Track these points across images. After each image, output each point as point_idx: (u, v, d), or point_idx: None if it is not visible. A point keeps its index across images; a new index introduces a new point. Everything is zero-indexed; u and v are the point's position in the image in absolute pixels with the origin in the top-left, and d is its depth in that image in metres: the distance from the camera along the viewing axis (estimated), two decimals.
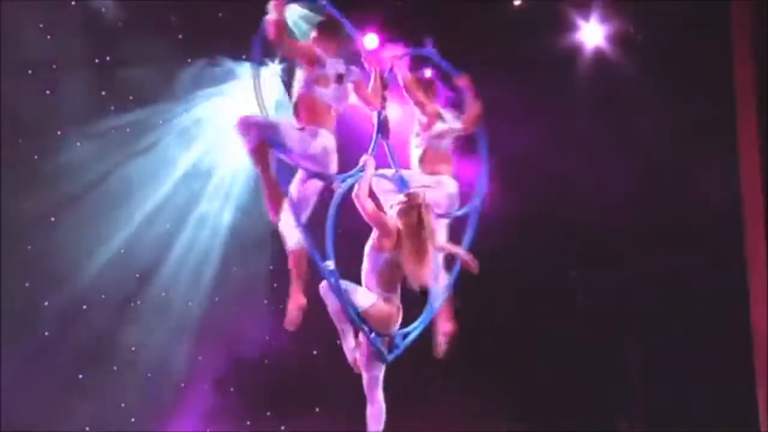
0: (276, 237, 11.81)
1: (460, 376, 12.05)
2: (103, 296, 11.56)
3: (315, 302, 11.09)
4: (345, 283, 7.78)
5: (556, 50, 12.08)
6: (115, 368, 11.57)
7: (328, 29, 8.03)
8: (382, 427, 7.86)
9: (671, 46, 11.93)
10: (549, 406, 11.87)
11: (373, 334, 7.69)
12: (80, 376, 11.40)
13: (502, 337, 12.08)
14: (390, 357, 7.77)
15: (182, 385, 11.87)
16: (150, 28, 11.68)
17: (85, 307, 11.46)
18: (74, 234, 11.44)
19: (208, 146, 12.06)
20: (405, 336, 7.98)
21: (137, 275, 11.80)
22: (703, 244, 11.62)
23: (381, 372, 7.85)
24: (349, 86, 7.89)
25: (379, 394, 7.87)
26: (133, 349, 11.68)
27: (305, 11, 11.55)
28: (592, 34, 12.34)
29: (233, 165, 12.11)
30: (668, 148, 11.90)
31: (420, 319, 8.16)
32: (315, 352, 12.11)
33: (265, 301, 12.17)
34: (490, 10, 12.17)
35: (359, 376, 11.23)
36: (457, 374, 12.02)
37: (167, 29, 11.88)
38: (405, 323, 8.04)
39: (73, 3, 11.50)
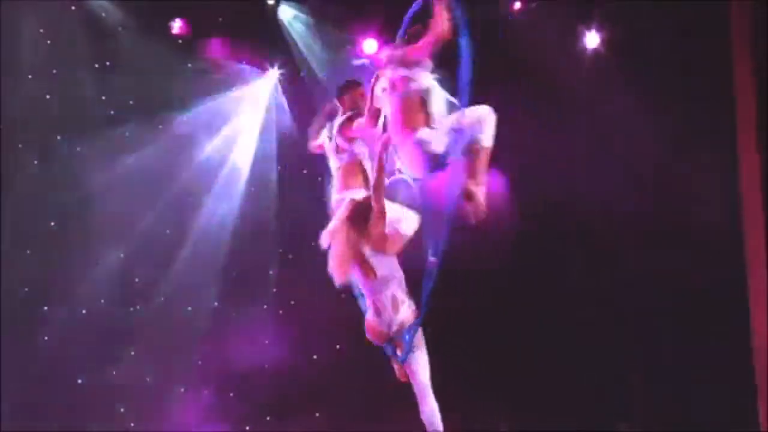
0: (276, 242, 12.04)
1: (460, 375, 12.04)
2: (102, 301, 11.58)
3: (316, 309, 11.35)
4: None
5: (556, 53, 12.07)
6: (114, 373, 11.54)
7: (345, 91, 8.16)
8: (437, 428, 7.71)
9: (670, 48, 11.91)
10: (549, 407, 11.83)
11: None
12: (79, 381, 11.41)
13: (502, 337, 12.06)
14: (403, 356, 7.62)
15: (182, 389, 11.85)
16: (150, 33, 11.74)
17: (84, 311, 11.48)
18: (74, 239, 11.48)
19: (208, 152, 12.10)
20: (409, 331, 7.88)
21: (137, 280, 11.80)
22: (702, 245, 11.55)
23: (412, 373, 7.72)
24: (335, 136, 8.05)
25: (422, 398, 7.72)
26: (132, 353, 11.65)
27: (296, 11, 12.00)
28: (591, 36, 12.38)
29: (233, 171, 12.20)
30: (668, 149, 11.86)
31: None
32: (315, 357, 12.15)
33: (265, 306, 12.22)
34: (490, 13, 12.16)
35: (359, 381, 11.49)
36: (456, 374, 12.04)
37: (167, 34, 11.93)
38: None
39: (73, 8, 11.51)
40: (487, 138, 7.21)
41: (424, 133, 7.15)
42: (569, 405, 11.81)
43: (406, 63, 7.35)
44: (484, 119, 7.22)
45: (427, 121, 7.23)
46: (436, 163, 7.17)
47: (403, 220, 7.72)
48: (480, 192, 7.25)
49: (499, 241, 11.64)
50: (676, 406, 11.73)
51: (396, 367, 7.77)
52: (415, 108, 7.25)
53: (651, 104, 11.87)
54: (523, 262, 12.19)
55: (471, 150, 7.19)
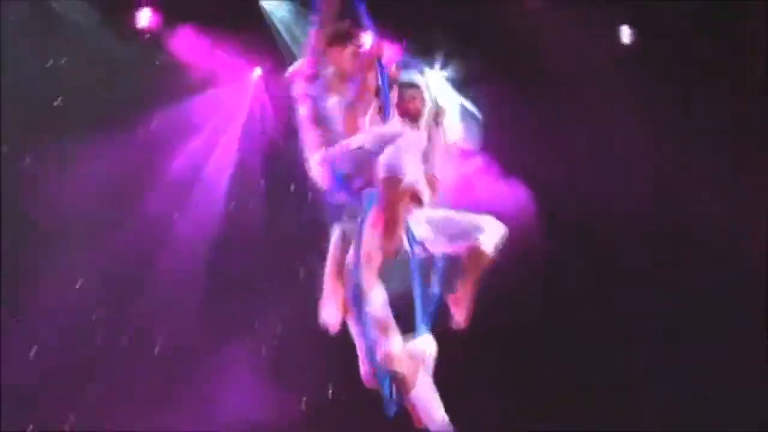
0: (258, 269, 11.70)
1: (460, 376, 11.08)
2: (54, 339, 10.75)
3: (303, 346, 11.01)
4: None
5: (556, 53, 11.90)
6: (67, 425, 10.76)
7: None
8: None
9: (671, 48, 12.06)
10: (549, 407, 11.72)
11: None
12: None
13: (500, 337, 11.66)
14: (386, 407, 6.64)
15: None
16: (112, 25, 11.28)
17: (34, 351, 10.73)
18: (19, 264, 10.71)
19: (180, 163, 11.56)
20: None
21: (94, 318, 11.05)
22: (702, 245, 11.75)
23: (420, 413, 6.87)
24: None
25: None
26: (90, 402, 10.81)
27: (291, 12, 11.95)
28: (591, 36, 12.13)
29: (208, 184, 11.75)
30: (668, 149, 12.03)
31: None
32: (304, 400, 11.64)
33: (246, 344, 11.63)
34: (490, 14, 12.10)
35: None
36: (456, 374, 11.47)
37: (133, 26, 11.41)
38: None
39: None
40: (391, 159, 6.48)
41: (325, 150, 6.79)
42: (569, 405, 11.79)
43: (301, 78, 6.94)
44: (390, 139, 6.50)
45: (328, 138, 6.76)
46: (337, 181, 6.75)
47: (477, 231, 6.75)
48: (392, 217, 6.61)
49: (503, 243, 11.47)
50: (676, 406, 11.79)
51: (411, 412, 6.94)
52: (316, 124, 6.83)
53: (651, 104, 11.97)
54: (521, 262, 11.49)
55: (375, 173, 6.57)
